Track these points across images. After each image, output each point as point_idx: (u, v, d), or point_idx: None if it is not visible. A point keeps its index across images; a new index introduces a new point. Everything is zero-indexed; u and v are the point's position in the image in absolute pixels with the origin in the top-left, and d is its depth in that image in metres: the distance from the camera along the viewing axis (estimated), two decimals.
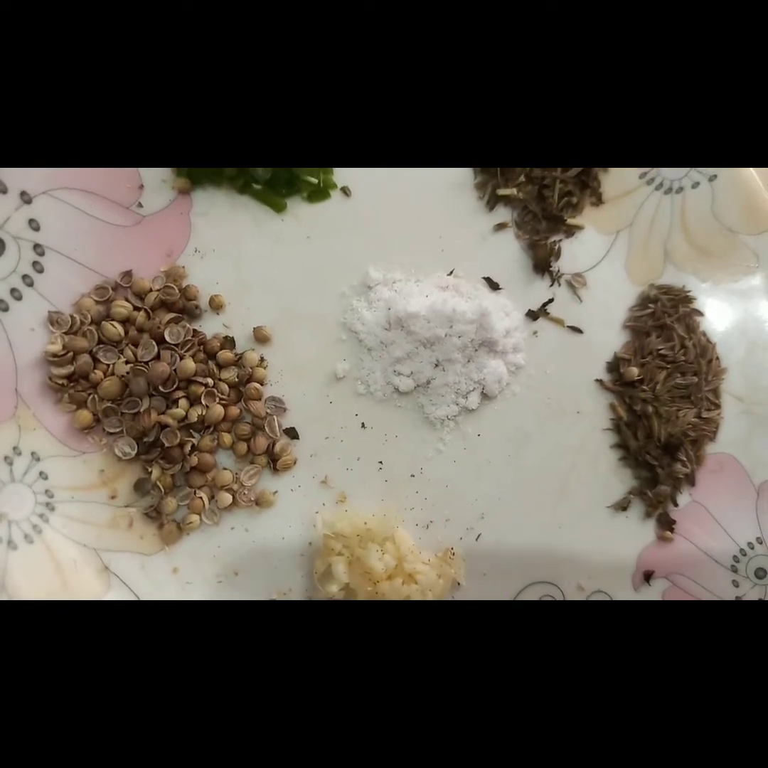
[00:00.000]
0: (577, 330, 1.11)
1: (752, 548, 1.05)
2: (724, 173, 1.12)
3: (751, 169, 1.12)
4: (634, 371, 1.08)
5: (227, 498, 0.97)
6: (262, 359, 1.02)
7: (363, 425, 1.04)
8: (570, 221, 1.14)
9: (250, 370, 1.00)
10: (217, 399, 0.98)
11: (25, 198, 0.97)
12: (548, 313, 1.11)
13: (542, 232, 1.13)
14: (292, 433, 1.02)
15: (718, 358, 1.11)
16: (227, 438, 0.99)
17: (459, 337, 1.01)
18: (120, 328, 0.97)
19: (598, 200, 1.15)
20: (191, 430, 0.98)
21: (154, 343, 0.96)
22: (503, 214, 1.13)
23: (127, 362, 0.97)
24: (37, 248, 0.98)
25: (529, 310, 1.11)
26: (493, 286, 1.10)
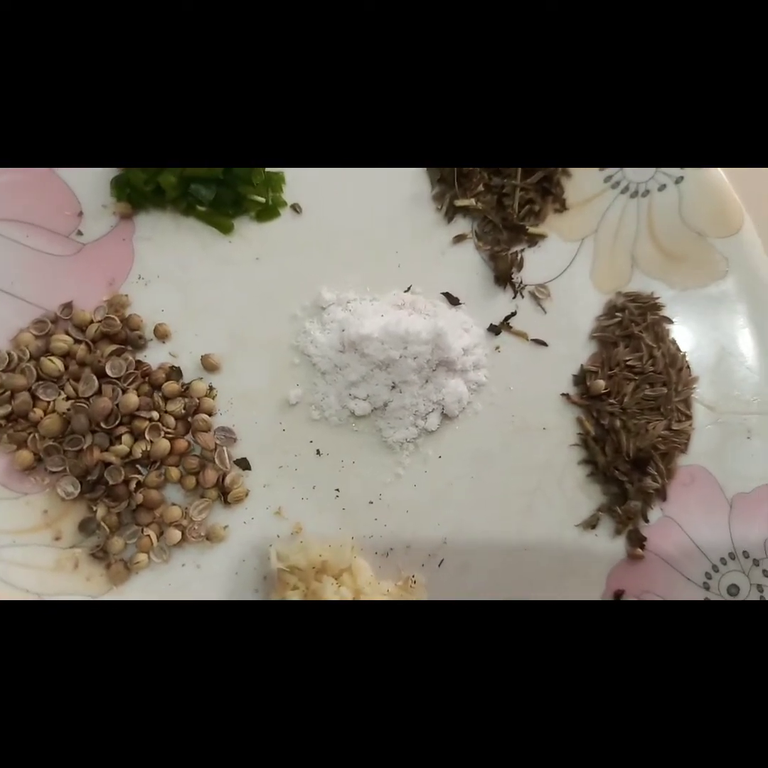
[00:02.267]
0: (541, 343, 1.08)
1: (725, 564, 1.02)
2: (690, 175, 1.09)
3: (720, 169, 1.08)
4: (601, 384, 1.05)
5: (176, 534, 0.95)
6: (210, 388, 1.00)
7: (318, 452, 1.01)
8: (532, 230, 1.10)
9: (198, 400, 0.98)
10: (163, 433, 0.95)
11: None
12: (511, 327, 1.08)
13: (503, 243, 1.10)
14: (243, 464, 0.99)
15: (688, 367, 1.08)
16: (175, 472, 0.96)
17: (414, 358, 0.98)
18: (60, 363, 0.95)
19: (562, 206, 1.12)
20: (137, 466, 0.96)
21: (94, 377, 0.94)
22: (462, 225, 1.10)
23: (67, 398, 0.94)
24: None
25: (491, 325, 1.07)
26: (453, 301, 1.07)
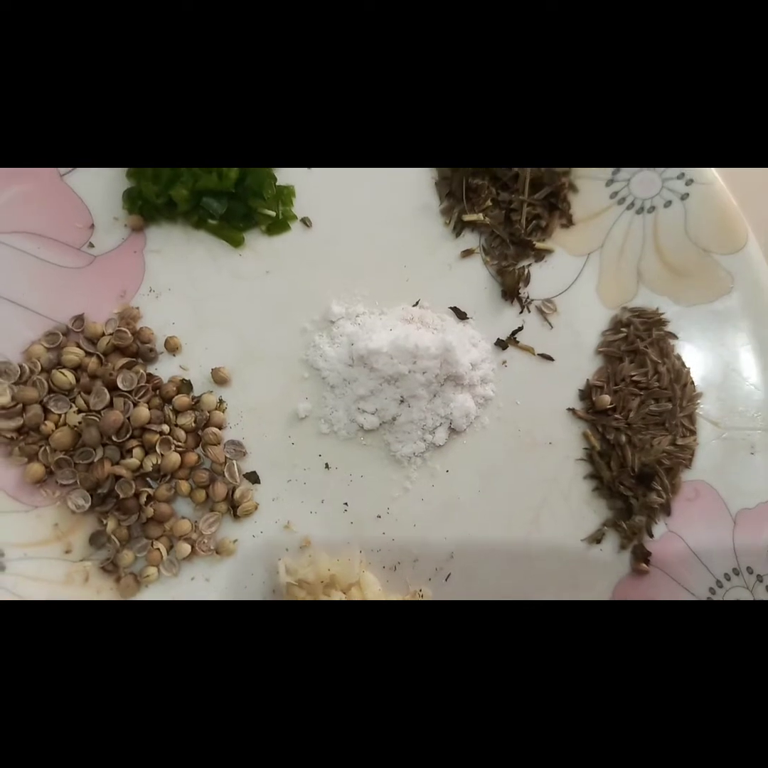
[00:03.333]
0: (548, 358, 1.08)
1: (729, 579, 1.03)
2: (696, 191, 1.09)
3: (725, 187, 1.09)
4: (607, 399, 1.05)
5: (186, 548, 0.95)
6: (220, 401, 1.00)
7: (327, 466, 1.01)
8: (539, 245, 1.11)
9: (208, 414, 0.98)
10: (173, 446, 0.95)
11: None
12: (518, 342, 1.08)
13: (511, 258, 1.10)
14: (252, 478, 0.99)
15: (692, 383, 1.08)
16: (185, 486, 0.96)
17: (423, 373, 0.98)
18: (71, 376, 0.95)
19: (569, 221, 1.12)
20: (147, 479, 0.96)
21: (106, 390, 0.94)
22: (470, 240, 1.10)
23: (79, 411, 0.94)
24: None
25: (498, 339, 1.08)
26: (461, 315, 1.08)
